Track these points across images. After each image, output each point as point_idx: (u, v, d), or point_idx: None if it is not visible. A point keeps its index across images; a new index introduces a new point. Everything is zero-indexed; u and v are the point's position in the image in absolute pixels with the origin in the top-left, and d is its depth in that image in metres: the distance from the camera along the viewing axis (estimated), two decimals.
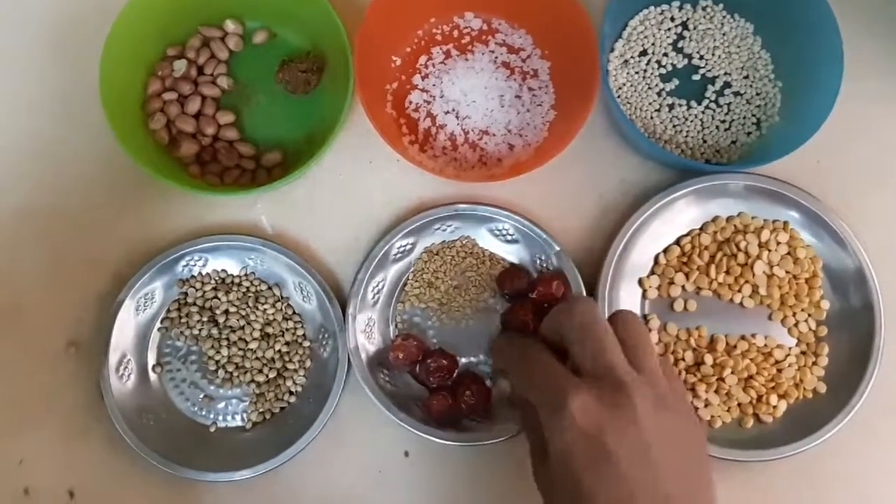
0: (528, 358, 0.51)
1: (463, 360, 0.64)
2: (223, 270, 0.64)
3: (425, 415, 0.61)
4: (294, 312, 0.64)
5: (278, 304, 0.64)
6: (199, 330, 0.63)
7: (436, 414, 0.60)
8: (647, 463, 0.44)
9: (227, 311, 0.63)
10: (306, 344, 0.63)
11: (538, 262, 0.64)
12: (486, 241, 0.65)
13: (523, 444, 0.59)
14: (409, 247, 0.64)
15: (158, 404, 0.62)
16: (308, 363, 0.63)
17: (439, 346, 0.64)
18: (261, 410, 0.62)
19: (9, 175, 0.65)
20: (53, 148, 0.65)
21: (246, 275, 0.64)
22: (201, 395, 0.63)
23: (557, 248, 0.62)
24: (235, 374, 0.63)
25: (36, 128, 0.65)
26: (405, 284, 0.65)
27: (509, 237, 0.64)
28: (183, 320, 0.63)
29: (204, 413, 0.63)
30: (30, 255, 0.64)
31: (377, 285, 0.64)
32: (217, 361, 0.63)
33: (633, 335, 0.49)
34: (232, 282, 0.64)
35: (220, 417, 0.63)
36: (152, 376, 0.63)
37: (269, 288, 0.64)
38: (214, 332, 0.63)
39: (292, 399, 0.63)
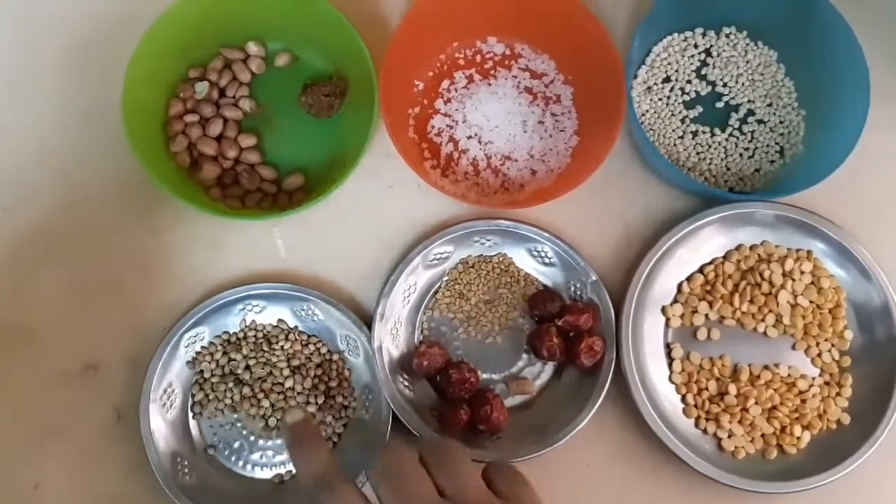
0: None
1: (484, 375, 0.63)
2: (224, 332, 0.63)
3: (439, 425, 0.61)
4: (309, 336, 0.63)
5: (290, 336, 0.63)
6: (232, 396, 0.62)
7: (451, 426, 0.60)
8: None
9: (247, 366, 0.62)
10: (335, 357, 0.63)
11: (572, 289, 0.64)
12: (524, 260, 0.65)
13: (536, 468, 0.58)
14: (445, 255, 0.64)
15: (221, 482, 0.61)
16: (346, 372, 0.63)
17: (463, 358, 0.63)
18: (327, 437, 0.61)
19: (29, 195, 0.64)
20: (73, 168, 0.65)
21: (245, 328, 0.63)
22: (259, 455, 0.62)
23: (594, 278, 0.62)
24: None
25: (57, 147, 0.65)
26: (437, 292, 0.64)
27: (547, 260, 0.64)
28: (211, 397, 0.62)
29: (259, 468, 0.62)
30: (47, 276, 0.63)
31: (409, 289, 0.63)
32: (263, 416, 0.62)
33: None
34: (236, 339, 0.63)
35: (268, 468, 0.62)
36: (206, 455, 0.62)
37: (275, 326, 0.63)
38: (246, 391, 0.62)
39: (350, 412, 0.62)
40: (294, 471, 0.61)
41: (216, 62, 0.65)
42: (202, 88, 0.64)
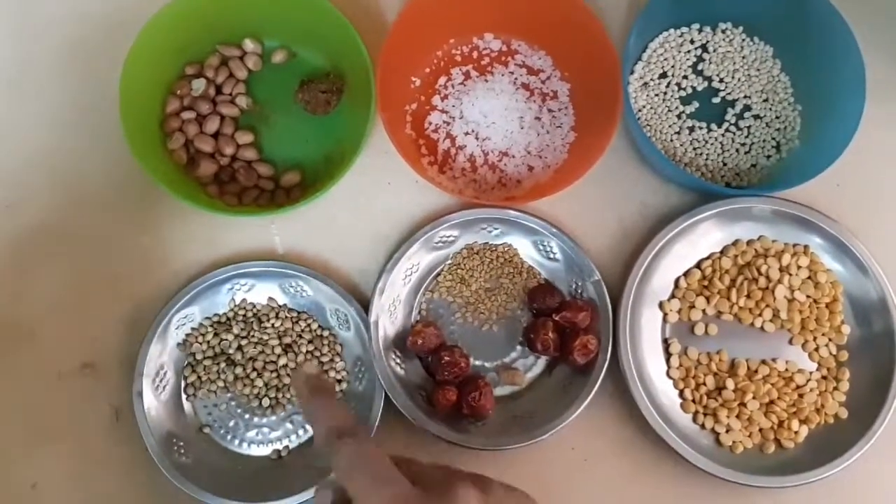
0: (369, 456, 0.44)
1: (476, 362, 0.64)
2: (214, 314, 0.63)
3: (427, 405, 0.61)
4: (299, 312, 0.63)
5: (281, 314, 0.63)
6: (224, 377, 0.62)
7: (438, 407, 0.60)
8: None
9: (239, 347, 0.62)
10: (326, 333, 0.63)
11: (573, 286, 0.64)
12: (528, 252, 0.65)
13: (533, 461, 0.60)
14: (451, 239, 0.64)
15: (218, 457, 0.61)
16: (338, 347, 0.63)
17: (457, 342, 0.63)
18: None
19: (26, 192, 0.64)
20: (72, 166, 0.64)
21: (234, 307, 0.63)
22: (255, 432, 0.62)
23: (597, 277, 0.62)
24: (279, 396, 0.62)
25: (55, 146, 0.65)
26: (438, 275, 0.64)
27: (552, 255, 0.64)
28: (204, 378, 0.62)
29: (256, 445, 0.62)
30: (45, 274, 0.63)
31: (411, 268, 0.64)
32: (257, 395, 0.62)
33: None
34: (226, 319, 0.63)
35: (260, 445, 0.62)
36: (201, 435, 0.62)
37: (265, 304, 0.63)
38: (238, 371, 0.62)
39: (344, 385, 0.62)
40: (306, 425, 0.61)
41: (213, 59, 0.65)
42: (199, 85, 0.64)
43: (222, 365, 0.62)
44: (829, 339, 0.64)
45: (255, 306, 0.63)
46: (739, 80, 0.68)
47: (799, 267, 0.64)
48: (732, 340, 0.64)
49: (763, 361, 0.64)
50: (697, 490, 0.62)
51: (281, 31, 0.65)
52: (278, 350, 0.62)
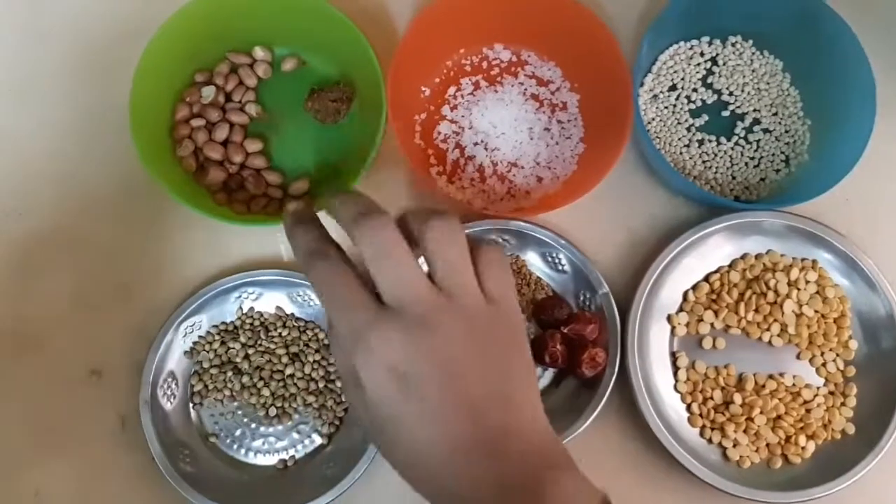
0: (333, 279, 0.42)
1: None
2: (222, 322, 0.63)
3: None
4: (306, 322, 0.63)
5: (288, 323, 0.63)
6: (231, 386, 0.62)
7: None
8: (450, 381, 0.40)
9: (246, 355, 0.62)
10: None
11: (581, 297, 0.64)
12: (537, 263, 0.65)
13: None
14: None
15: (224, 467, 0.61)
16: None
17: None
18: (330, 421, 0.61)
19: (33, 198, 0.64)
20: (80, 172, 0.64)
21: (242, 316, 0.63)
22: (261, 442, 0.62)
23: (605, 290, 0.62)
24: (287, 405, 0.62)
25: (62, 150, 0.65)
26: None
27: (560, 267, 0.64)
28: (211, 387, 0.62)
29: (262, 455, 0.62)
30: (54, 281, 0.63)
31: None
32: (263, 404, 0.62)
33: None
34: (234, 327, 0.63)
35: (268, 454, 0.62)
36: (207, 444, 0.62)
37: (273, 313, 0.63)
38: (245, 380, 0.62)
39: None
40: (312, 434, 0.61)
41: (222, 66, 0.65)
42: (208, 93, 0.64)
43: (229, 374, 0.62)
44: (837, 355, 0.64)
45: (262, 315, 0.63)
46: (749, 93, 0.68)
47: (807, 282, 0.64)
48: (740, 354, 0.64)
49: (770, 376, 0.63)
50: None
51: (291, 39, 0.65)
52: (285, 359, 0.62)
